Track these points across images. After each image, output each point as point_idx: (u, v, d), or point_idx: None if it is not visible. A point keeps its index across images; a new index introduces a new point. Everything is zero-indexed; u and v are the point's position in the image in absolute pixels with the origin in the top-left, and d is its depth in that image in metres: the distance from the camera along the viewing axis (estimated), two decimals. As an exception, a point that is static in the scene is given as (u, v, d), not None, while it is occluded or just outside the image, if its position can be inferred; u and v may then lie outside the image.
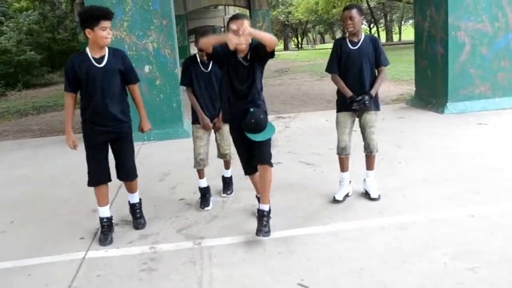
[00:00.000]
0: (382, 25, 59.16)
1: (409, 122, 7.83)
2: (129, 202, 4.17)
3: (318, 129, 7.79)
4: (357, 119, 4.32)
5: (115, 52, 3.71)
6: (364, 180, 4.45)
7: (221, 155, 4.60)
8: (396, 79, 14.55)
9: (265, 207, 3.68)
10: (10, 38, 23.67)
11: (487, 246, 3.30)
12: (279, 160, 5.72)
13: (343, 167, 4.40)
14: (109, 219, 3.91)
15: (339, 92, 4.29)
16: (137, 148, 7.07)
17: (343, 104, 4.25)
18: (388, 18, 57.20)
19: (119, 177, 3.98)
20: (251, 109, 3.58)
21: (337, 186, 4.41)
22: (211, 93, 4.34)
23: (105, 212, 3.90)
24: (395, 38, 60.64)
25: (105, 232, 3.86)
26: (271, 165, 3.68)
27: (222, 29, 53.50)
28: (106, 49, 3.65)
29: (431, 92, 8.90)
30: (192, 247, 3.64)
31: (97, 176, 3.82)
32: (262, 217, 3.66)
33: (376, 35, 59.41)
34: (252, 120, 3.55)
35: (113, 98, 3.69)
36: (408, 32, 58.13)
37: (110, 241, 3.81)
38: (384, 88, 12.64)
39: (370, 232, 3.66)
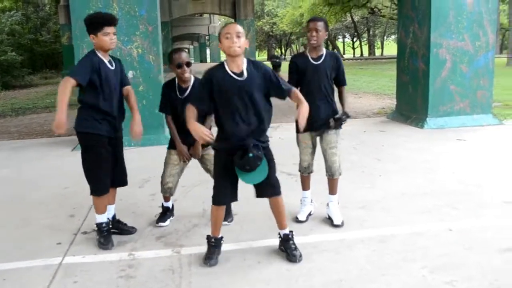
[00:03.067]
0: (365, 39, 59.86)
1: (390, 136, 7.92)
2: (108, 218, 3.90)
3: (300, 140, 7.81)
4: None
5: (114, 59, 3.83)
6: (327, 205, 4.18)
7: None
8: (377, 93, 14.71)
9: (287, 231, 3.51)
10: (-9, 38, 23.38)
11: (464, 260, 3.34)
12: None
13: (305, 185, 4.23)
14: (108, 223, 3.86)
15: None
16: (117, 154, 7.02)
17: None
18: (371, 32, 57.96)
19: (117, 182, 3.96)
20: (250, 154, 3.17)
21: (318, 197, 4.40)
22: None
23: (104, 217, 3.82)
24: (378, 52, 61.40)
25: (106, 236, 3.79)
26: (280, 194, 3.44)
27: (207, 37, 53.64)
28: (108, 55, 3.74)
29: (412, 107, 9.02)
30: (171, 255, 3.61)
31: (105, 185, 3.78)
32: (289, 241, 3.48)
33: (359, 49, 60.18)
34: (247, 167, 3.20)
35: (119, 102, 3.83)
36: (390, 47, 59.03)
37: (113, 244, 3.77)
38: (366, 101, 12.77)
39: (350, 244, 3.67)
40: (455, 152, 6.64)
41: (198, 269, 3.36)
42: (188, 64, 3.92)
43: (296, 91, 3.37)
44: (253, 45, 33.55)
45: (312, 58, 4.00)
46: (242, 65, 3.24)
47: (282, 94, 3.32)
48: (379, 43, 64.22)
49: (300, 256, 3.41)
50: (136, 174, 5.89)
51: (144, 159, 6.66)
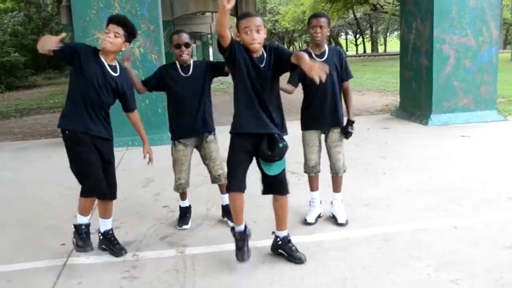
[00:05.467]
0: (367, 36, 59.72)
1: (394, 133, 7.89)
2: (102, 231, 3.76)
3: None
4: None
5: (123, 69, 3.67)
6: (331, 203, 4.16)
7: (214, 178, 4.12)
8: (381, 89, 14.67)
9: (286, 232, 3.44)
10: (-6, 39, 23.42)
11: (469, 257, 3.33)
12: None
13: (313, 186, 4.16)
14: (88, 226, 3.61)
15: (305, 109, 4.04)
16: (121, 154, 7.04)
17: (309, 122, 4.03)
18: (373, 29, 57.81)
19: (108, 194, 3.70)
20: (280, 145, 3.16)
21: (321, 195, 4.37)
22: (191, 99, 3.93)
23: (85, 219, 3.59)
24: (380, 49, 61.24)
25: (85, 239, 3.55)
26: (288, 193, 3.39)
27: (209, 35, 53.57)
28: (116, 61, 3.59)
29: (416, 103, 8.99)
30: (175, 255, 3.61)
31: (97, 186, 3.52)
32: (289, 243, 3.42)
33: (361, 45, 60.05)
34: (276, 158, 3.19)
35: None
36: (393, 44, 58.82)
37: (92, 248, 3.59)
38: (369, 98, 12.74)
39: (355, 242, 3.66)
40: (459, 149, 6.61)
41: (203, 269, 3.36)
42: (187, 45, 3.89)
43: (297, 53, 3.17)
44: (256, 43, 33.43)
45: (316, 55, 3.97)
46: (261, 53, 3.19)
47: (289, 57, 3.10)
48: (382, 39, 64.05)
49: (305, 256, 3.38)
50: (140, 174, 5.90)
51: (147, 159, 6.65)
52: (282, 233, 3.44)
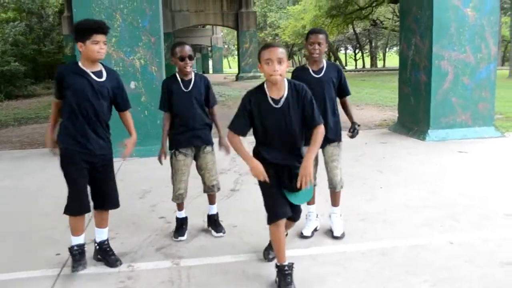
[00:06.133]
0: (367, 51, 60.02)
1: (391, 148, 7.90)
2: (98, 241, 3.73)
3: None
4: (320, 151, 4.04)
5: (109, 71, 3.61)
6: (330, 216, 4.18)
7: (207, 188, 4.16)
8: (379, 104, 14.70)
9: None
10: (-5, 49, 23.50)
11: (466, 274, 3.32)
12: (256, 182, 5.70)
13: (310, 200, 3.98)
14: (81, 245, 3.60)
15: None
16: (118, 165, 7.02)
17: (306, 138, 3.99)
18: (373, 44, 58.09)
19: (104, 205, 3.69)
20: (297, 171, 3.12)
21: (318, 209, 4.37)
22: (192, 113, 3.99)
23: (76, 240, 3.59)
24: (379, 64, 61.52)
25: (77, 259, 3.53)
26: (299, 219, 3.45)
27: (209, 48, 53.82)
28: (100, 65, 3.54)
29: (414, 118, 9.01)
30: (170, 267, 3.59)
31: (80, 204, 3.52)
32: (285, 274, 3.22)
33: (361, 60, 60.31)
34: (298, 185, 3.10)
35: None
36: (392, 59, 59.18)
37: (85, 266, 3.57)
38: (368, 113, 12.77)
39: (351, 257, 3.65)
40: (457, 165, 6.61)
41: (198, 281, 3.34)
42: (191, 58, 3.94)
43: (320, 129, 3.20)
44: (256, 56, 33.64)
45: (313, 71, 3.99)
46: (283, 91, 3.12)
47: (310, 125, 3.18)
48: (381, 54, 64.35)
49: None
50: (137, 185, 5.89)
51: (145, 170, 6.65)
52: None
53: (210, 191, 4.18)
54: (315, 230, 4.16)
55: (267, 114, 3.12)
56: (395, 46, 58.01)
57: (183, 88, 3.99)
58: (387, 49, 63.20)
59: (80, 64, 3.46)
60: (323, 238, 4.04)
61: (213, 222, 4.26)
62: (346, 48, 66.92)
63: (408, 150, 7.68)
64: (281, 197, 3.21)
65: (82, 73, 3.43)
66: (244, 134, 3.21)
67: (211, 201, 4.27)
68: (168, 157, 4.12)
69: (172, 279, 3.38)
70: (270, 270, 3.44)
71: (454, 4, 8.24)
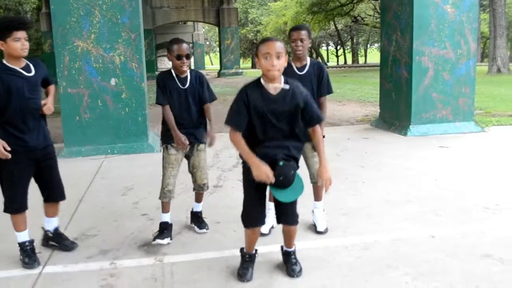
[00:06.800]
0: (348, 47, 60.36)
1: (373, 143, 7.96)
2: (52, 229, 3.83)
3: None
4: None
5: (34, 61, 3.56)
6: (313, 211, 4.17)
7: (198, 186, 4.11)
8: (361, 100, 14.80)
9: (291, 249, 3.38)
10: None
11: (447, 267, 3.35)
12: (239, 178, 5.70)
13: (270, 196, 3.91)
14: (32, 242, 3.64)
15: None
16: (99, 162, 6.97)
17: None
18: (354, 40, 58.47)
19: (54, 197, 3.76)
20: (281, 163, 3.01)
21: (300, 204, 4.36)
22: (188, 111, 3.92)
23: (26, 235, 3.64)
24: (361, 60, 61.94)
25: (31, 255, 3.57)
26: (297, 223, 3.28)
27: (191, 44, 53.58)
28: (24, 60, 3.46)
29: (395, 114, 9.09)
30: (153, 264, 3.57)
31: (23, 201, 3.58)
32: (290, 255, 3.37)
33: (342, 57, 60.65)
34: (281, 178, 2.99)
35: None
36: (373, 55, 59.60)
37: (39, 263, 3.57)
38: (349, 109, 12.85)
39: (334, 251, 3.67)
40: (438, 159, 6.69)
41: (181, 278, 3.33)
42: (188, 57, 3.86)
43: (319, 128, 3.20)
44: (237, 53, 33.58)
45: (297, 68, 3.96)
46: (280, 86, 3.06)
47: (309, 123, 3.16)
48: (363, 51, 64.79)
49: (299, 271, 3.31)
50: (119, 182, 5.84)
51: (126, 167, 6.59)
52: (286, 248, 3.40)
53: (201, 190, 4.14)
54: (272, 227, 4.04)
55: (262, 109, 3.04)
56: (376, 42, 58.46)
57: (179, 85, 3.90)
58: (368, 46, 63.69)
59: (5, 62, 3.38)
60: (307, 233, 4.05)
61: (197, 219, 4.24)
62: (327, 45, 67.23)
63: (390, 145, 7.74)
64: (261, 205, 3.21)
65: (14, 72, 3.38)
66: (243, 128, 3.10)
67: (198, 199, 4.22)
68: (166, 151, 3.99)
69: (155, 276, 3.36)
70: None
71: (434, 1, 8.32)
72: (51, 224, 3.84)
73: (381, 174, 5.94)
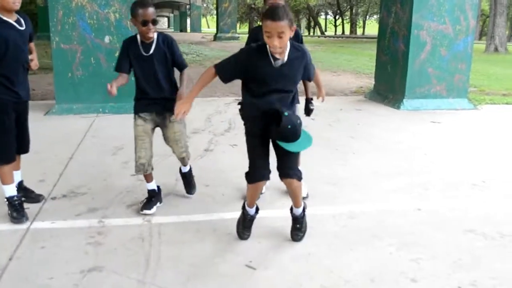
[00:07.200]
0: (347, 17, 59.72)
1: (366, 115, 7.96)
2: (18, 182, 3.85)
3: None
4: None
5: (23, 16, 3.59)
6: None
7: (178, 158, 3.98)
8: (356, 71, 14.73)
9: (298, 211, 3.36)
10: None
11: (431, 239, 3.41)
12: (235, 142, 5.72)
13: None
14: (20, 197, 3.68)
15: None
16: (90, 120, 6.93)
17: None
18: (353, 11, 57.77)
19: (23, 150, 3.81)
20: (286, 113, 2.96)
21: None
22: (154, 79, 3.65)
23: (14, 190, 3.65)
24: (359, 31, 61.39)
25: (19, 209, 3.60)
26: (300, 179, 3.23)
27: (188, 6, 52.68)
28: (15, 14, 3.48)
29: (389, 87, 9.07)
30: (141, 224, 3.60)
31: (14, 151, 3.64)
32: (296, 220, 3.38)
33: (340, 27, 60.03)
34: (289, 126, 2.94)
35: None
36: (372, 27, 59.01)
37: (27, 217, 3.60)
38: (344, 79, 12.79)
39: (321, 219, 3.71)
40: (429, 134, 6.72)
41: (168, 238, 3.36)
42: (154, 22, 3.50)
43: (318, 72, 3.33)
44: (235, 17, 33.09)
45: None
46: (284, 53, 2.98)
47: (308, 77, 3.27)
48: (361, 22, 64.17)
49: (301, 238, 3.36)
50: (109, 142, 5.83)
51: (117, 127, 6.57)
52: (295, 210, 3.37)
53: (182, 162, 4.03)
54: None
55: (265, 73, 3.00)
56: (375, 14, 57.82)
57: (142, 52, 3.58)
58: (367, 17, 63.02)
59: (0, 15, 3.40)
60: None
61: (185, 180, 4.15)
62: (326, 13, 66.43)
63: (382, 118, 7.75)
64: (264, 160, 3.18)
65: (8, 25, 3.42)
66: (225, 80, 3.09)
67: (183, 163, 4.07)
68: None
69: (143, 236, 3.39)
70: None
71: (436, -26, 8.20)
72: (17, 178, 3.85)
73: (372, 146, 5.96)
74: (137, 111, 3.75)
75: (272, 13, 2.84)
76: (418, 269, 3.00)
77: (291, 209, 3.38)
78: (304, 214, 3.38)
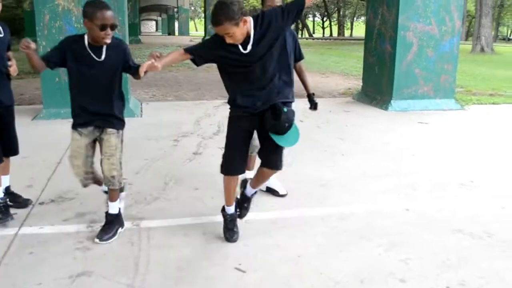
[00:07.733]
0: (335, 19, 59.99)
1: (354, 117, 8.00)
2: (5, 188, 3.81)
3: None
4: None
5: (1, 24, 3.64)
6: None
7: (106, 180, 3.33)
8: (344, 73, 14.81)
9: (253, 191, 3.52)
10: None
11: (420, 240, 3.43)
12: (219, 146, 5.70)
13: (250, 166, 4.09)
14: (5, 199, 3.71)
15: None
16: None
17: None
18: (341, 13, 58.07)
19: (11, 152, 3.83)
20: (285, 109, 3.05)
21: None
22: (98, 87, 3.22)
23: (0, 192, 3.67)
24: (347, 33, 61.68)
25: (4, 211, 3.62)
26: (279, 170, 3.35)
27: (176, 9, 52.60)
28: None
29: (377, 88, 9.12)
30: (130, 228, 3.58)
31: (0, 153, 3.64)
32: (249, 200, 3.56)
33: (328, 29, 60.27)
34: (287, 124, 3.07)
35: None
36: (359, 29, 59.31)
37: (12, 217, 3.64)
38: (332, 81, 12.84)
39: (310, 221, 3.72)
40: (416, 135, 6.76)
41: (157, 242, 3.35)
42: (113, 27, 3.09)
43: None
44: None
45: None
46: (250, 33, 3.01)
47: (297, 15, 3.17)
48: (349, 24, 64.51)
49: (244, 216, 3.53)
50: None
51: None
52: (248, 190, 3.52)
53: (109, 184, 3.34)
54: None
55: (238, 61, 3.06)
56: (363, 15, 58.17)
57: (94, 57, 3.15)
58: (355, 19, 63.36)
59: None
60: (283, 203, 4.10)
61: (106, 220, 3.46)
62: (314, 16, 66.69)
63: (371, 119, 7.79)
64: (242, 153, 3.27)
65: None
66: (195, 62, 3.15)
67: (111, 196, 3.43)
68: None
69: (132, 240, 3.38)
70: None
71: (421, -24, 8.28)
72: (5, 182, 3.83)
73: (360, 147, 5.99)
74: (74, 124, 3.31)
75: (212, 19, 2.96)
76: (407, 270, 3.02)
77: (245, 188, 3.52)
78: (253, 195, 3.54)
